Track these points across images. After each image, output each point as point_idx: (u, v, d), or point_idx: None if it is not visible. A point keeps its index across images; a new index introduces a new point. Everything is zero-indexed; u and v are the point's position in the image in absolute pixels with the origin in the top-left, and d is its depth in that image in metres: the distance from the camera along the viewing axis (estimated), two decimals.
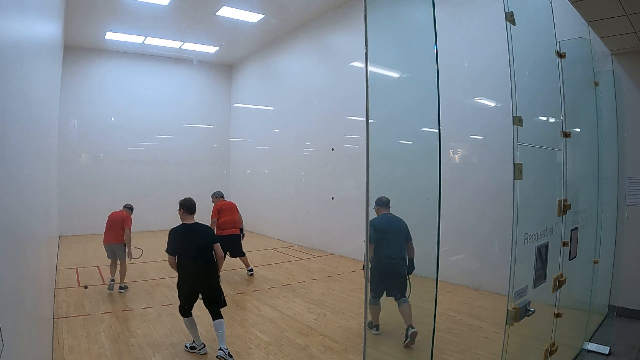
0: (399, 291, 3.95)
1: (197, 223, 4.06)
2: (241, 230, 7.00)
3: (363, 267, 4.71)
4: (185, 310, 3.99)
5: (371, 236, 4.01)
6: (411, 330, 3.75)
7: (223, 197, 7.31)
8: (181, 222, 4.03)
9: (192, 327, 4.02)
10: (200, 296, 4.01)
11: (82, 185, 11.09)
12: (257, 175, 12.32)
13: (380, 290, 4.03)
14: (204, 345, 4.02)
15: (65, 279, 6.62)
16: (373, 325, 4.17)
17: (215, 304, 3.97)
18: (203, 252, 3.95)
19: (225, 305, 4.05)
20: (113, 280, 5.92)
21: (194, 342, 4.02)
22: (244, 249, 7.02)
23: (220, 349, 3.82)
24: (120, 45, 11.16)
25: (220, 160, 13.67)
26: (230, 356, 3.80)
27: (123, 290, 5.95)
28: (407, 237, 3.95)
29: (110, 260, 6.02)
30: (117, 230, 5.99)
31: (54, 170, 7.38)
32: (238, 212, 7.09)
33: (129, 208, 6.38)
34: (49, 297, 4.78)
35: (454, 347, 4.03)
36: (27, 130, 2.35)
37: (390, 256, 4.07)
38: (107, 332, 4.41)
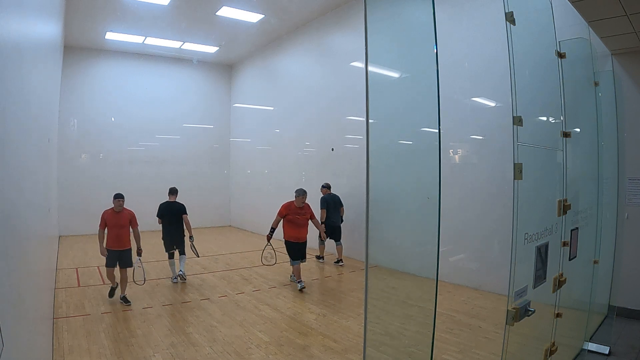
0: (338, 238, 7.74)
1: (175, 201, 6.58)
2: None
3: (317, 257, 8.16)
4: (169, 254, 6.52)
5: (322, 203, 7.67)
6: (340, 263, 7.70)
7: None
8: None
9: (172, 265, 6.56)
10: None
11: (82, 185, 11.08)
12: (257, 175, 12.31)
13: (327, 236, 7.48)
14: (177, 277, 6.45)
15: (65, 279, 6.62)
16: (320, 256, 8.11)
17: (182, 249, 6.55)
18: (176, 219, 6.42)
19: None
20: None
21: (173, 275, 6.46)
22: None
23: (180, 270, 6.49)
24: (120, 45, 11.15)
25: (220, 160, 13.66)
26: (184, 278, 6.51)
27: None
28: (340, 204, 7.82)
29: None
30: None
31: (54, 170, 7.38)
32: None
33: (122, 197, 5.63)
34: (49, 297, 4.78)
35: (454, 347, 4.03)
36: (27, 130, 2.35)
37: (332, 218, 7.64)
38: (107, 332, 4.41)
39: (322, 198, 7.74)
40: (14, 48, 1.77)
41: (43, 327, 3.24)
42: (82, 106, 11.17)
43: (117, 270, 5.43)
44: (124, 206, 5.51)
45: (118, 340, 4.20)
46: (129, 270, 5.48)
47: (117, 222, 5.36)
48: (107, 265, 5.38)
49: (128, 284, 5.52)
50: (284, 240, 6.33)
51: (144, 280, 5.76)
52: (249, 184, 12.68)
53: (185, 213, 6.48)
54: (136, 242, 5.55)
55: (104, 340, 4.21)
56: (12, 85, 1.71)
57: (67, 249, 9.10)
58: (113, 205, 5.46)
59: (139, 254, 5.58)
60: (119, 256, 5.37)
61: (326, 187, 7.92)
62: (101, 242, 5.36)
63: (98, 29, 9.96)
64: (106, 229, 5.37)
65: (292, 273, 6.53)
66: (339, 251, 7.77)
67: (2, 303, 1.34)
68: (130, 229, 5.51)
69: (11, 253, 1.65)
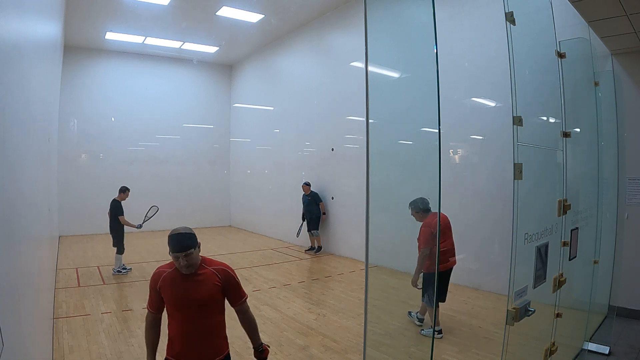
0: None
1: (114, 199, 7.01)
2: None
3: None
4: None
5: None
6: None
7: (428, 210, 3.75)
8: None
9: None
10: None
11: (82, 185, 11.08)
12: (257, 175, 12.32)
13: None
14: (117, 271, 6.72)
15: (65, 279, 6.62)
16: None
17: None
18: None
19: None
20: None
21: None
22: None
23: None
24: (120, 45, 11.15)
25: (220, 160, 13.67)
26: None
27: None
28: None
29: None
30: None
31: (54, 170, 7.39)
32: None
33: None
34: (49, 297, 4.78)
35: (454, 347, 4.03)
36: (27, 130, 2.35)
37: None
38: (107, 332, 4.41)
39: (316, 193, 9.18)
40: (14, 48, 1.77)
41: (43, 327, 3.24)
42: (82, 106, 11.17)
43: None
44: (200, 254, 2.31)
45: (118, 340, 4.20)
46: None
47: (192, 297, 2.20)
48: None
49: None
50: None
51: None
52: (249, 184, 12.68)
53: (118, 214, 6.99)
54: (249, 334, 2.38)
55: (104, 340, 4.21)
56: (12, 85, 1.71)
57: (67, 249, 9.10)
58: (174, 261, 2.20)
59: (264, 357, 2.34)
60: None
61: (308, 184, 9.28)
62: (150, 346, 2.47)
63: (98, 29, 9.96)
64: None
65: (421, 312, 4.36)
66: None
67: (2, 303, 1.34)
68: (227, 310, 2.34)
69: (11, 252, 1.65)
